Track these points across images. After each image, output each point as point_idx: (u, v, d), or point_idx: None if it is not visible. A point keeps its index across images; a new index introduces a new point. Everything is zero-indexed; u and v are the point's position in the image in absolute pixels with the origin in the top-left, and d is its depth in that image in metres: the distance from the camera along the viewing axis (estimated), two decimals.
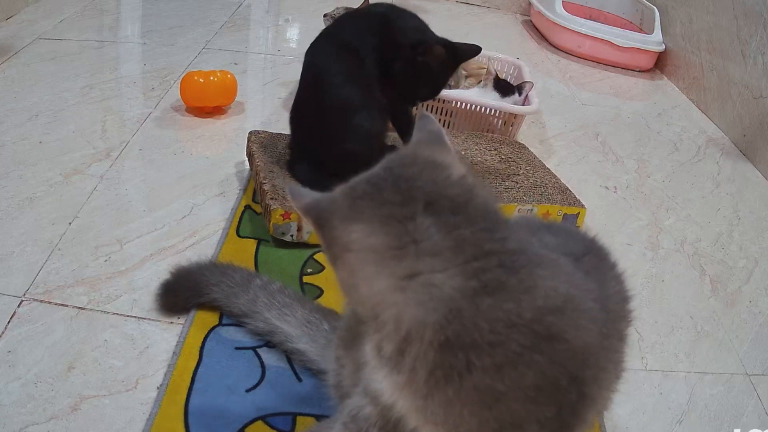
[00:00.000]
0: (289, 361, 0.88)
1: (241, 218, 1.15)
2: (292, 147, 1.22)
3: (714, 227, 1.43)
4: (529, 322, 0.49)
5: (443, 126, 1.27)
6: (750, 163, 1.76)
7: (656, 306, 1.15)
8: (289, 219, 1.07)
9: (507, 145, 1.45)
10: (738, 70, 1.88)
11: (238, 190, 1.23)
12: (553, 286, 0.51)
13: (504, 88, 1.58)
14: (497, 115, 1.54)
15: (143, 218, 1.12)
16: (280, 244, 1.09)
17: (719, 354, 1.07)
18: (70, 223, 1.08)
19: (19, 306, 0.90)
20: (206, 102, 1.47)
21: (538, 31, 2.49)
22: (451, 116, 1.55)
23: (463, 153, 1.38)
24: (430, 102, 1.51)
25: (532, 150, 1.47)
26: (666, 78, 2.28)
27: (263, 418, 0.80)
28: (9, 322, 0.87)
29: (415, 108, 1.30)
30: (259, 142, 1.25)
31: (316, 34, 1.20)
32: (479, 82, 1.61)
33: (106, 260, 1.01)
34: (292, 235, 1.08)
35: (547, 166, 1.40)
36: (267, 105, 1.61)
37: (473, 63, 1.72)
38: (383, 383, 0.55)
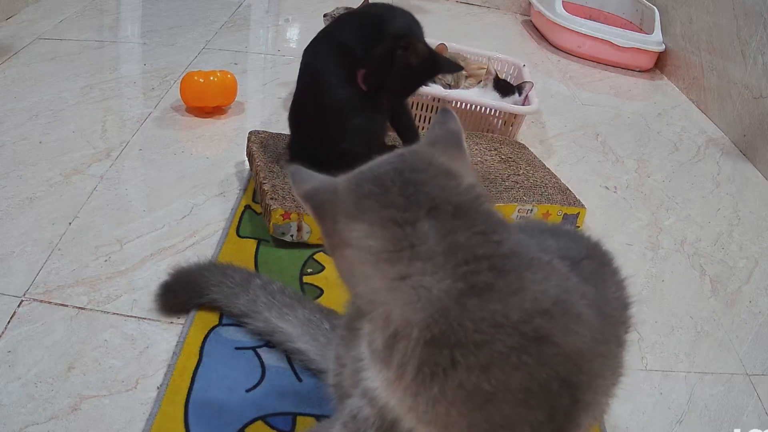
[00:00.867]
0: (289, 361, 0.88)
1: (241, 218, 1.15)
2: (291, 147, 1.22)
3: (714, 227, 1.43)
4: (516, 324, 0.49)
5: None
6: (750, 163, 1.76)
7: (656, 306, 1.15)
8: (289, 219, 1.07)
9: (507, 145, 1.45)
10: (738, 70, 1.88)
11: (238, 190, 1.23)
12: (543, 289, 0.51)
13: (504, 88, 1.58)
14: (497, 115, 1.54)
15: (143, 218, 1.12)
16: (280, 244, 1.09)
17: (719, 354, 1.07)
18: (70, 223, 1.08)
19: (19, 306, 0.90)
20: (206, 102, 1.47)
21: (538, 31, 2.49)
22: None
23: None
24: (430, 102, 1.51)
25: (532, 150, 1.47)
26: (666, 78, 2.28)
27: (263, 418, 0.80)
28: (9, 322, 0.87)
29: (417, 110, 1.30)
30: (259, 142, 1.25)
31: (316, 34, 1.20)
32: (479, 82, 1.61)
33: (106, 260, 1.01)
34: (292, 235, 1.08)
35: (547, 166, 1.40)
36: (267, 105, 1.61)
37: (473, 63, 1.72)
38: (376, 380, 0.56)
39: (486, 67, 1.68)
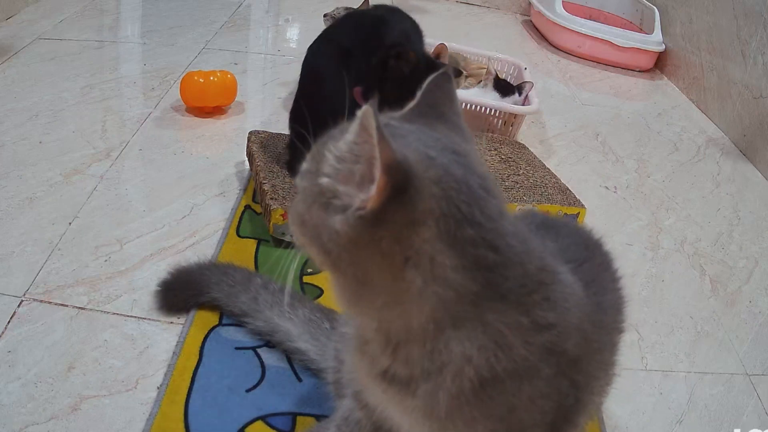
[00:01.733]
0: (289, 361, 0.88)
1: (241, 218, 1.15)
2: (291, 147, 1.22)
3: (714, 227, 1.43)
4: (546, 344, 0.50)
5: None
6: (750, 163, 1.76)
7: (656, 306, 1.15)
8: None
9: (507, 145, 1.45)
10: (738, 70, 1.88)
11: (238, 190, 1.23)
12: (567, 309, 0.52)
13: (504, 88, 1.58)
14: (497, 115, 1.54)
15: (143, 218, 1.12)
16: (280, 244, 1.09)
17: (719, 354, 1.07)
18: (70, 223, 1.08)
19: (19, 306, 0.90)
20: (206, 102, 1.47)
21: (538, 31, 2.49)
22: None
23: None
24: None
25: (532, 150, 1.47)
26: (666, 78, 2.28)
27: (263, 418, 0.80)
28: (9, 322, 0.87)
29: None
30: (259, 142, 1.25)
31: (316, 34, 1.20)
32: (479, 82, 1.61)
33: (106, 260, 1.01)
34: (292, 235, 1.08)
35: (547, 166, 1.40)
36: (267, 105, 1.61)
37: (473, 63, 1.72)
38: (389, 406, 0.55)
39: (486, 67, 1.68)
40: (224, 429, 0.77)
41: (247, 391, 0.83)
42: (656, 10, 2.29)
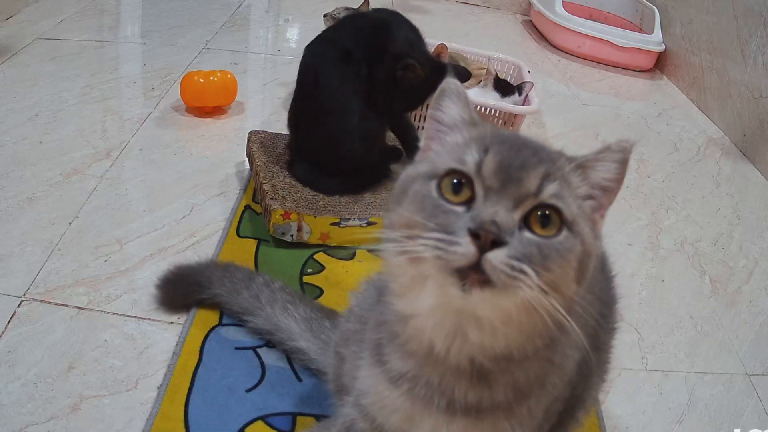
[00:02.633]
0: (289, 361, 0.88)
1: (241, 218, 1.15)
2: (290, 147, 1.22)
3: (714, 227, 1.43)
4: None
5: None
6: (750, 163, 1.76)
7: (656, 306, 1.15)
8: (289, 219, 1.07)
9: None
10: (738, 70, 1.88)
11: (238, 190, 1.23)
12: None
13: (504, 88, 1.58)
14: (497, 115, 1.54)
15: (143, 218, 1.12)
16: (280, 244, 1.09)
17: (719, 354, 1.07)
18: (70, 223, 1.08)
19: (19, 306, 0.90)
20: (206, 102, 1.47)
21: (538, 31, 2.49)
22: None
23: None
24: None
25: None
26: (666, 78, 2.28)
27: (263, 418, 0.80)
28: (9, 322, 0.87)
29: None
30: (259, 142, 1.25)
31: (316, 34, 1.20)
32: (479, 82, 1.61)
33: (106, 260, 1.01)
34: (292, 235, 1.08)
35: None
36: (267, 105, 1.61)
37: (473, 63, 1.72)
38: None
39: (486, 67, 1.68)
40: (224, 429, 0.77)
41: (247, 391, 0.83)
42: (656, 10, 2.28)
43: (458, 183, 0.46)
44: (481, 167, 0.46)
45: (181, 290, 0.93)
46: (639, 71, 2.28)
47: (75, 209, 1.11)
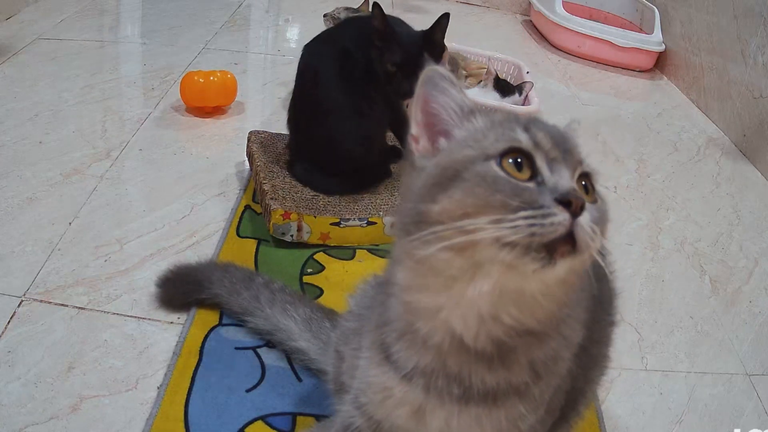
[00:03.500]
0: (289, 361, 0.88)
1: (241, 218, 1.15)
2: (290, 147, 1.22)
3: (714, 227, 1.43)
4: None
5: None
6: (750, 163, 1.76)
7: (656, 306, 1.15)
8: (289, 219, 1.07)
9: None
10: (738, 70, 1.88)
11: (238, 190, 1.23)
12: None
13: (504, 88, 1.58)
14: None
15: (143, 218, 1.12)
16: (280, 244, 1.09)
17: (719, 354, 1.07)
18: (70, 223, 1.08)
19: (19, 306, 0.90)
20: (206, 102, 1.47)
21: (538, 31, 2.49)
22: None
23: None
24: None
25: None
26: (666, 78, 2.27)
27: (263, 418, 0.80)
28: (9, 322, 0.87)
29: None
30: (259, 142, 1.25)
31: (316, 34, 1.20)
32: (479, 82, 1.61)
33: (106, 260, 1.01)
34: (292, 235, 1.08)
35: None
36: (267, 105, 1.61)
37: (473, 63, 1.72)
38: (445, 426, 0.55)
39: (486, 67, 1.68)
40: (224, 429, 0.77)
41: (247, 391, 0.83)
42: (656, 10, 2.28)
43: (518, 160, 0.45)
44: (539, 142, 0.46)
45: (181, 290, 0.93)
46: (639, 71, 2.28)
47: (75, 209, 1.11)
